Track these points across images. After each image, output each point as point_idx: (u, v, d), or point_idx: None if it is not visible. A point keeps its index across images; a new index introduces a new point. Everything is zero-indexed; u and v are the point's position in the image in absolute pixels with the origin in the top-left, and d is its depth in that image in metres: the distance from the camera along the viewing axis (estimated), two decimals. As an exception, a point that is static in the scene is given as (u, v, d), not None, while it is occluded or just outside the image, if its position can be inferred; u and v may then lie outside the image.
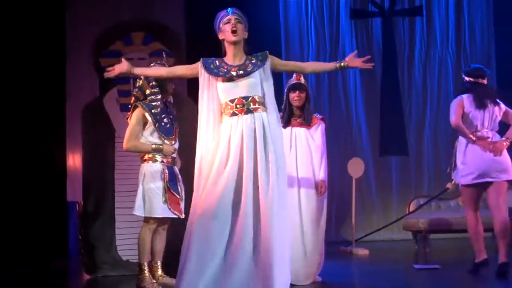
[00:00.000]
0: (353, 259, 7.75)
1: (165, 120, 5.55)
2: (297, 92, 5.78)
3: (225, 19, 4.49)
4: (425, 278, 6.12)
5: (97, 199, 6.72)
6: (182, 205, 5.54)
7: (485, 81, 6.00)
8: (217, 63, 4.49)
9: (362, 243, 8.46)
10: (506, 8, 9.70)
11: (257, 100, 4.43)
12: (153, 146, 5.49)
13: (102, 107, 6.79)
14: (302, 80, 5.86)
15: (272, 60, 4.55)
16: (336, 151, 9.57)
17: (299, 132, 5.79)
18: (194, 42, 7.25)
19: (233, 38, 4.46)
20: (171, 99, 5.78)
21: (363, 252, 7.97)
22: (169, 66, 6.00)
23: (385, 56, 9.86)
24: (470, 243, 6.02)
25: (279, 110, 5.81)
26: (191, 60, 4.76)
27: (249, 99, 4.41)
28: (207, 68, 4.50)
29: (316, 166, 5.75)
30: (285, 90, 5.88)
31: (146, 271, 5.55)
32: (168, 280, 5.53)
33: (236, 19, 4.47)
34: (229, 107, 4.42)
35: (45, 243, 7.78)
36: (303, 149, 5.76)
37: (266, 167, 4.29)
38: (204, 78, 4.51)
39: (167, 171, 5.51)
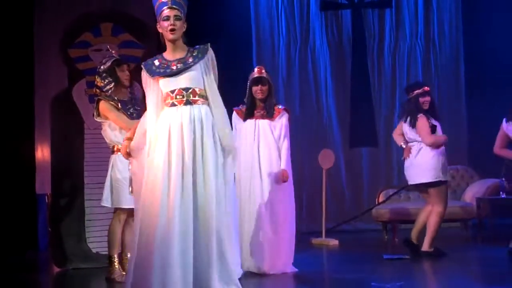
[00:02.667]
0: (323, 249, 7.79)
1: (130, 110, 5.59)
2: (259, 85, 5.91)
3: (163, 14, 4.38)
4: (394, 268, 6.19)
5: (66, 191, 6.67)
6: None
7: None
8: (157, 62, 4.42)
9: (332, 234, 8.50)
10: (474, 1, 9.80)
11: (198, 92, 4.36)
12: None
13: (70, 98, 6.73)
14: (264, 73, 5.98)
15: (211, 54, 4.45)
16: (307, 143, 9.61)
17: (262, 124, 5.92)
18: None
19: (171, 36, 4.38)
20: (135, 88, 5.78)
21: (333, 242, 8.02)
22: (139, 57, 6.11)
23: (355, 48, 9.91)
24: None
25: (242, 103, 5.95)
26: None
27: (189, 91, 4.35)
28: (149, 71, 4.42)
29: (279, 156, 5.89)
30: (248, 84, 5.98)
31: (116, 263, 5.53)
32: None
33: (175, 16, 4.36)
34: (169, 97, 4.35)
35: (15, 236, 7.70)
36: (266, 141, 5.89)
37: (203, 161, 4.23)
38: (147, 81, 4.44)
39: None
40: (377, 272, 6.02)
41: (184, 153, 4.24)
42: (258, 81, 5.91)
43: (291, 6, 9.86)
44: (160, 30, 4.45)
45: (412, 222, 8.14)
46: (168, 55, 4.45)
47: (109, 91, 5.62)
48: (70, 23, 6.88)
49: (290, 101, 9.66)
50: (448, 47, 10.11)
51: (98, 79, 5.70)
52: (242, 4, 9.44)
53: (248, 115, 5.94)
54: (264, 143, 5.87)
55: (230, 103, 6.43)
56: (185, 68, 4.37)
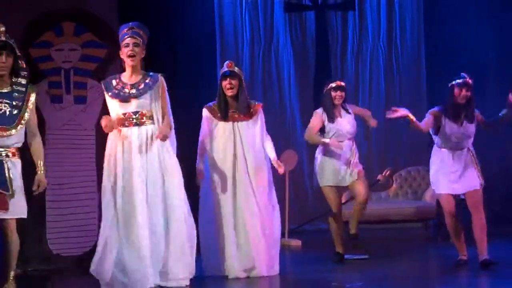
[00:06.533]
0: (286, 250, 7.82)
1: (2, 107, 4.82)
2: (228, 79, 5.64)
3: (124, 42, 5.06)
4: (354, 268, 6.25)
5: (26, 192, 6.59)
6: (17, 202, 5.00)
7: None
8: (114, 82, 5.12)
9: (295, 234, 8.55)
10: (435, 5, 9.93)
11: (146, 114, 5.06)
12: None
13: (32, 99, 6.66)
14: (235, 68, 5.74)
15: (162, 83, 5.14)
16: (270, 143, 9.62)
17: (241, 127, 5.70)
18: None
19: (130, 63, 5.08)
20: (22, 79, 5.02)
21: (295, 243, 8.06)
22: (102, 57, 6.15)
23: (318, 49, 9.94)
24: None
25: (212, 100, 5.83)
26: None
27: (138, 114, 5.06)
28: (106, 89, 5.16)
29: (265, 153, 5.78)
30: (218, 81, 5.84)
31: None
32: None
33: (134, 43, 5.03)
34: (121, 119, 5.07)
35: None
36: (249, 143, 5.70)
37: (155, 175, 5.05)
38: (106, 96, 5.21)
39: None
40: (337, 272, 6.08)
41: (134, 172, 5.04)
42: (227, 75, 5.65)
43: (255, 7, 9.87)
44: (122, 57, 5.10)
45: (374, 222, 8.27)
46: (125, 76, 5.14)
47: None
48: (31, 22, 6.82)
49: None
50: (410, 47, 10.19)
51: None
52: (206, 4, 9.43)
53: (223, 117, 5.68)
54: (248, 147, 5.68)
55: (194, 103, 6.46)
56: (137, 95, 5.04)
